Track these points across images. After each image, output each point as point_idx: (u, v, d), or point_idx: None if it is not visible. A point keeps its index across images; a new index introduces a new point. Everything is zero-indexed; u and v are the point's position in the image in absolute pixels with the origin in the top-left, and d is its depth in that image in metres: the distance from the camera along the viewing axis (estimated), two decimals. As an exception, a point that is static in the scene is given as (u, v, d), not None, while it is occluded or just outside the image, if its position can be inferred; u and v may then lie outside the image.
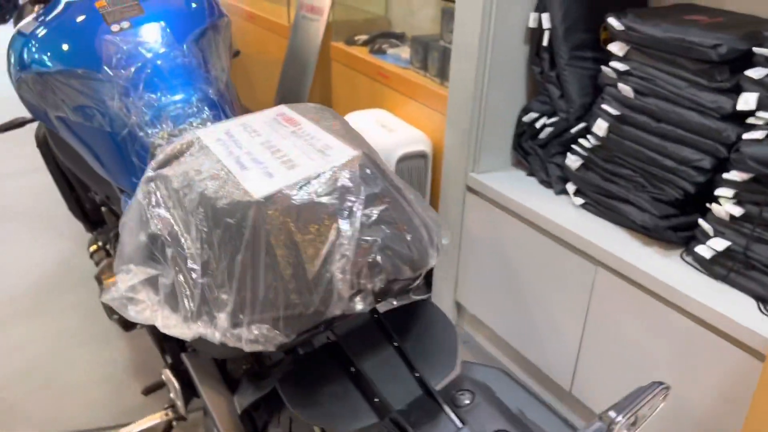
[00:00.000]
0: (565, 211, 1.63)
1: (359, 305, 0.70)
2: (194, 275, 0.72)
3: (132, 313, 0.78)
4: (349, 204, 0.69)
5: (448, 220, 1.99)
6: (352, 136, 0.80)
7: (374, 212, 0.70)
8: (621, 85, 1.46)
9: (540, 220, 1.62)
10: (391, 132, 2.03)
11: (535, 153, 1.78)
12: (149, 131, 1.07)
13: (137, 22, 1.11)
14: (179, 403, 1.31)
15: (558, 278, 1.62)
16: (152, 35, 1.11)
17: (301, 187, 0.70)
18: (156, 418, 1.42)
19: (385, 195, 0.71)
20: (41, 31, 1.11)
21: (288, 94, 2.84)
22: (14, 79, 1.17)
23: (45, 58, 1.09)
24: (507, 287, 1.80)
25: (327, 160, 0.73)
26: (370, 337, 0.82)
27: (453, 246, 2.00)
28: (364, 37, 2.55)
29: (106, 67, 1.08)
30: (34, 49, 1.10)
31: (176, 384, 1.27)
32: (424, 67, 2.15)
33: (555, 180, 1.72)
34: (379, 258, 0.70)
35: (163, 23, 1.13)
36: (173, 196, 0.75)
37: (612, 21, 1.45)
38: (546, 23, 1.61)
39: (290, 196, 0.69)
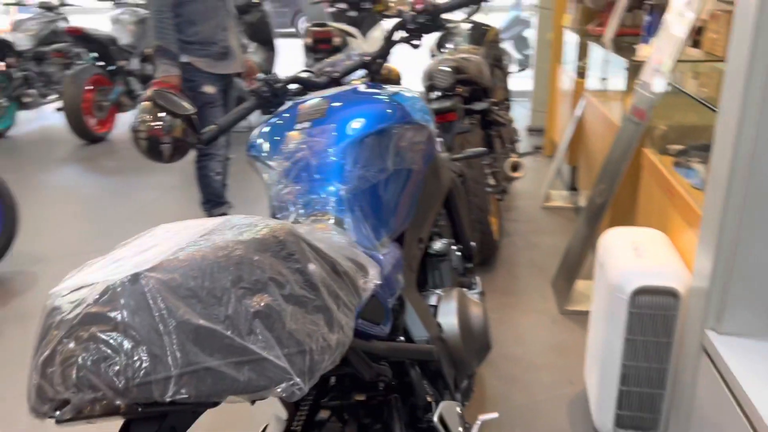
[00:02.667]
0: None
1: (62, 413, 0.69)
2: None
3: None
4: (70, 317, 0.70)
5: (681, 378, 1.55)
6: (178, 258, 0.75)
7: (90, 329, 0.69)
8: None
9: (755, 418, 1.15)
10: (638, 258, 1.70)
11: (805, 327, 1.27)
12: (279, 216, 1.22)
13: (315, 123, 1.28)
14: None
15: None
16: (320, 135, 1.25)
17: (73, 290, 0.74)
18: None
19: (115, 317, 0.69)
20: (263, 124, 1.38)
21: (603, 187, 2.66)
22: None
23: (256, 144, 1.34)
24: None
25: (116, 273, 0.73)
26: None
27: (684, 419, 1.55)
28: (678, 147, 2.21)
29: (276, 158, 1.27)
30: (254, 138, 1.37)
31: None
32: (711, 190, 1.75)
33: (816, 372, 1.19)
34: (72, 373, 0.68)
35: (333, 125, 1.25)
36: None
37: None
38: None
39: (59, 296, 0.74)
